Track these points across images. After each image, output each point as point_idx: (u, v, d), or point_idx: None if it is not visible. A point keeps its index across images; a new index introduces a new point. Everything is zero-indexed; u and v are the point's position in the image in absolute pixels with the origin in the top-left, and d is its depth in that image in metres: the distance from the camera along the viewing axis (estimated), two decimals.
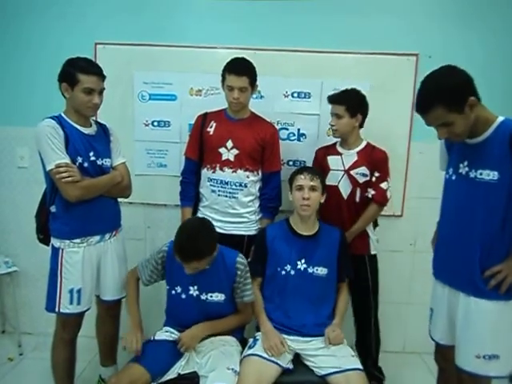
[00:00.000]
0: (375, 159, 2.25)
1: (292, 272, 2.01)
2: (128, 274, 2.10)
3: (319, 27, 2.53)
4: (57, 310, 1.94)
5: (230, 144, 2.21)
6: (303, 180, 2.01)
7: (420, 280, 2.73)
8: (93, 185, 1.92)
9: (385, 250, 2.65)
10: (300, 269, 2.01)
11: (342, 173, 2.25)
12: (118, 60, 2.57)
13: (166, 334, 1.97)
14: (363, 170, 2.24)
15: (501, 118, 1.49)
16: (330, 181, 2.21)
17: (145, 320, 1.96)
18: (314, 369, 1.87)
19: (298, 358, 1.94)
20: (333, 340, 1.91)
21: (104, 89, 1.93)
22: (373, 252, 2.32)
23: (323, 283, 2.02)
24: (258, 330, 2.04)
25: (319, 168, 2.24)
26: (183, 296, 1.95)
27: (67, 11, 2.58)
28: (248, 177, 2.23)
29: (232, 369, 1.78)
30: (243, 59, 2.18)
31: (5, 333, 2.91)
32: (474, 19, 2.52)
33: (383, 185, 2.25)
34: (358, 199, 2.26)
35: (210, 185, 2.25)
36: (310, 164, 2.47)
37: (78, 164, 1.87)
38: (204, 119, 2.30)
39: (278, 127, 2.50)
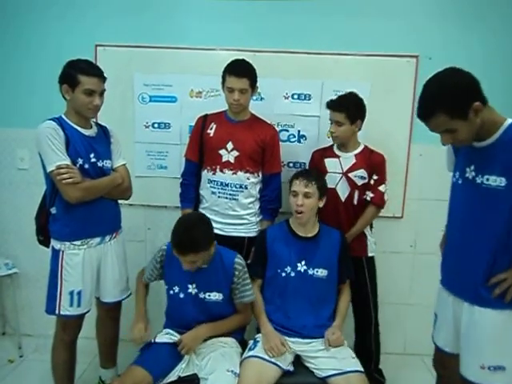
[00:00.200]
0: (374, 162, 2.26)
1: (292, 274, 2.01)
2: (139, 272, 2.13)
3: (319, 29, 2.53)
4: (57, 312, 1.94)
5: (230, 146, 2.21)
6: (297, 186, 2.01)
7: (420, 281, 2.73)
8: (93, 186, 1.92)
9: (385, 251, 2.66)
10: (300, 270, 2.01)
11: (340, 175, 2.25)
12: (118, 62, 2.57)
13: (167, 336, 1.97)
14: (362, 172, 2.24)
15: (509, 121, 1.42)
16: (328, 183, 2.20)
17: None
18: (315, 371, 1.87)
19: (298, 360, 1.94)
20: (332, 342, 1.90)
21: (105, 90, 1.94)
22: (370, 254, 2.32)
23: (323, 285, 2.02)
24: (258, 331, 2.04)
25: (317, 170, 2.24)
26: (181, 295, 1.95)
27: (67, 13, 2.58)
28: (248, 178, 2.23)
29: (232, 371, 1.78)
30: (243, 61, 2.18)
31: (5, 334, 2.91)
32: (474, 20, 2.51)
33: (381, 187, 2.26)
34: (355, 202, 2.26)
35: (211, 186, 2.25)
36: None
37: (78, 165, 1.87)
38: (204, 121, 2.30)
39: (278, 129, 2.50)
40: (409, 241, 2.74)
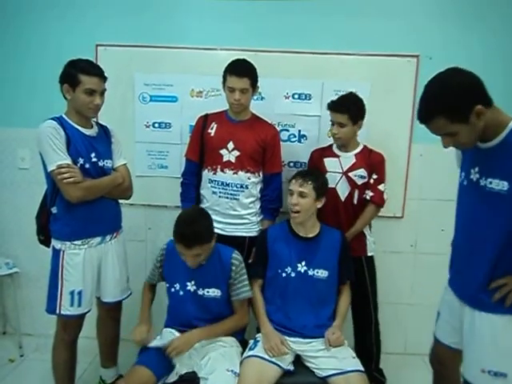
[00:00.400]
0: (373, 162, 2.27)
1: (292, 274, 2.01)
2: (144, 283, 2.13)
3: (320, 28, 2.53)
4: (57, 311, 1.94)
5: (231, 145, 2.21)
6: (293, 185, 2.02)
7: (421, 281, 2.73)
8: (94, 186, 1.92)
9: (385, 251, 2.66)
10: (300, 271, 2.01)
11: (340, 175, 2.25)
12: (118, 62, 2.57)
13: (170, 334, 1.96)
14: (362, 172, 2.24)
15: None
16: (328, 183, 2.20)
17: None
18: (315, 370, 1.87)
19: (298, 360, 1.94)
20: (333, 342, 1.90)
21: (105, 90, 1.94)
22: (370, 253, 2.33)
23: (324, 285, 2.02)
24: (258, 331, 2.04)
25: (318, 170, 2.24)
26: (181, 292, 1.96)
27: (68, 12, 2.58)
28: (249, 178, 2.23)
29: (232, 370, 1.78)
30: (244, 61, 2.18)
31: (5, 334, 2.91)
32: (474, 20, 2.51)
33: (381, 187, 2.27)
34: (355, 201, 2.26)
35: (211, 186, 2.25)
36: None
37: (79, 165, 1.88)
38: (205, 121, 2.30)
39: (278, 129, 2.50)
40: (409, 241, 2.74)
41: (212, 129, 2.26)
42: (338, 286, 2.07)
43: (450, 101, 1.30)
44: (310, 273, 2.01)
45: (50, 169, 1.83)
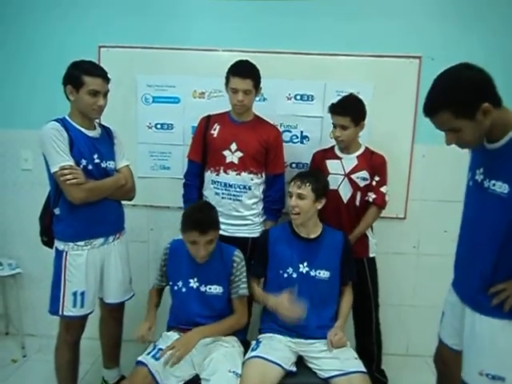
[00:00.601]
0: (375, 164, 2.27)
1: (294, 275, 2.01)
2: (150, 290, 2.14)
3: (322, 30, 2.53)
4: (60, 312, 1.95)
5: (234, 147, 2.21)
6: (292, 187, 2.02)
7: (423, 282, 2.73)
8: (97, 187, 1.92)
9: (388, 252, 2.66)
10: (302, 272, 2.01)
11: (343, 177, 2.25)
12: (121, 63, 2.57)
13: (173, 335, 1.96)
14: (364, 174, 2.24)
15: None
16: (330, 185, 2.20)
17: None
18: (317, 371, 1.87)
19: (301, 361, 1.94)
20: (335, 343, 1.90)
21: (109, 91, 1.94)
22: (372, 255, 2.33)
23: (326, 286, 2.02)
24: (260, 332, 2.05)
25: (319, 171, 2.24)
26: (184, 289, 1.97)
27: (70, 13, 2.59)
28: (252, 179, 2.23)
29: (234, 372, 1.77)
30: (247, 62, 2.18)
31: (8, 334, 2.92)
32: (474, 20, 2.51)
33: (383, 189, 2.27)
34: (358, 203, 2.27)
35: (214, 187, 2.25)
36: None
37: (82, 166, 1.88)
38: (207, 122, 2.30)
39: (280, 130, 2.50)
40: (412, 242, 2.74)
41: (215, 130, 2.26)
42: (339, 287, 2.07)
43: (457, 95, 1.28)
44: (312, 273, 2.01)
45: (52, 170, 1.83)
